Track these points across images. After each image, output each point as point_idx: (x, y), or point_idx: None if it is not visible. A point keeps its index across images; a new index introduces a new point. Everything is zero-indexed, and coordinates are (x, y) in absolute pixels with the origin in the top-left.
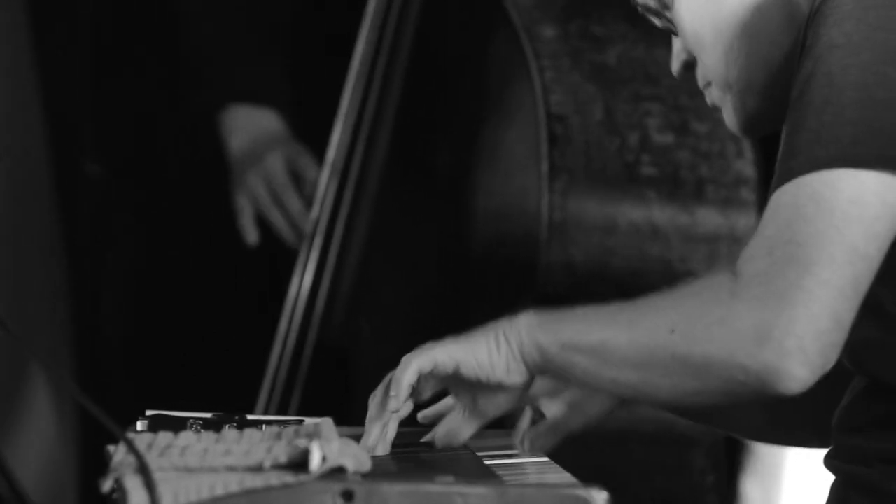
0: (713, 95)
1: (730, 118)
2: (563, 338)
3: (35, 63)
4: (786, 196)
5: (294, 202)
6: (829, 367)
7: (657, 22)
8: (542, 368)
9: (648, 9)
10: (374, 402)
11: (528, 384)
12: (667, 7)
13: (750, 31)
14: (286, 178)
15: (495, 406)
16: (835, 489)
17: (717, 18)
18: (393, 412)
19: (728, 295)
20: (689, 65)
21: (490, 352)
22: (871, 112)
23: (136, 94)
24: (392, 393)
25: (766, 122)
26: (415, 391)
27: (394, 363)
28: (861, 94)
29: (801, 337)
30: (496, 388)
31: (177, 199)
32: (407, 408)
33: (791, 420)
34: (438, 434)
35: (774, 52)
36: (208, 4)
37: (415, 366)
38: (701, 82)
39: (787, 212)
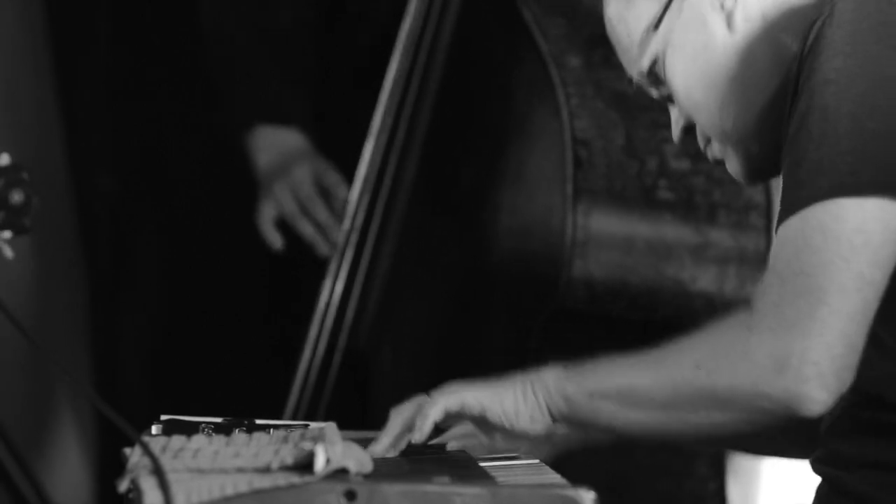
0: (714, 150)
1: (734, 168)
2: (589, 386)
3: (55, 83)
4: (792, 229)
5: (321, 212)
6: (845, 388)
7: (654, 93)
8: (569, 419)
9: (643, 84)
10: (397, 417)
11: (550, 434)
12: (659, 81)
13: (738, 80)
14: (312, 189)
15: (512, 446)
16: (820, 492)
17: (707, 74)
18: (416, 440)
19: (745, 329)
20: (689, 129)
21: (516, 402)
22: (865, 142)
23: (149, 112)
24: (418, 423)
25: (769, 166)
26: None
27: (419, 370)
28: (855, 124)
29: (817, 363)
30: (518, 434)
31: (194, 210)
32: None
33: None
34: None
35: (759, 96)
36: (234, 28)
37: (443, 405)
38: (701, 142)
39: (795, 244)
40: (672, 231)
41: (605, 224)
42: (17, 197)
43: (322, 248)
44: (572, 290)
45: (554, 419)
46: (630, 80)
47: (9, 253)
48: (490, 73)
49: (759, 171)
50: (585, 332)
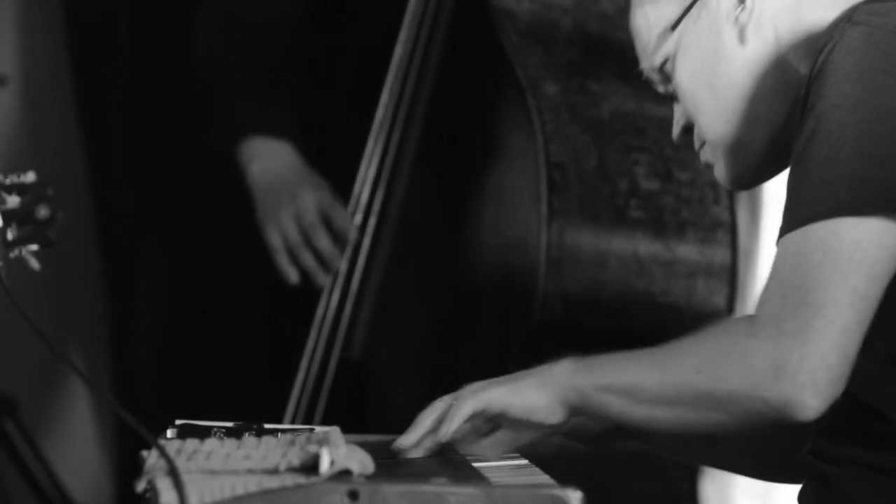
0: (706, 154)
1: (720, 173)
2: (598, 381)
3: (78, 112)
4: (793, 244)
5: (323, 240)
6: (838, 395)
7: (660, 89)
8: (581, 410)
9: (652, 79)
10: (425, 418)
11: (565, 423)
12: (668, 79)
13: (742, 92)
14: (316, 217)
15: (531, 435)
16: (808, 482)
17: (713, 81)
18: (441, 440)
19: (746, 336)
20: (688, 129)
21: (535, 396)
22: (866, 166)
23: (163, 136)
24: (446, 422)
25: (753, 177)
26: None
27: (409, 378)
28: (858, 149)
29: (812, 372)
30: (537, 425)
31: (205, 228)
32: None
33: (766, 455)
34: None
35: (770, 112)
36: (220, 43)
37: (470, 407)
38: (697, 143)
39: (796, 259)
40: (643, 248)
41: (579, 242)
42: (42, 212)
43: (321, 279)
44: (549, 304)
45: (568, 410)
46: (640, 73)
47: (35, 265)
48: (473, 99)
49: (744, 178)
50: (562, 342)
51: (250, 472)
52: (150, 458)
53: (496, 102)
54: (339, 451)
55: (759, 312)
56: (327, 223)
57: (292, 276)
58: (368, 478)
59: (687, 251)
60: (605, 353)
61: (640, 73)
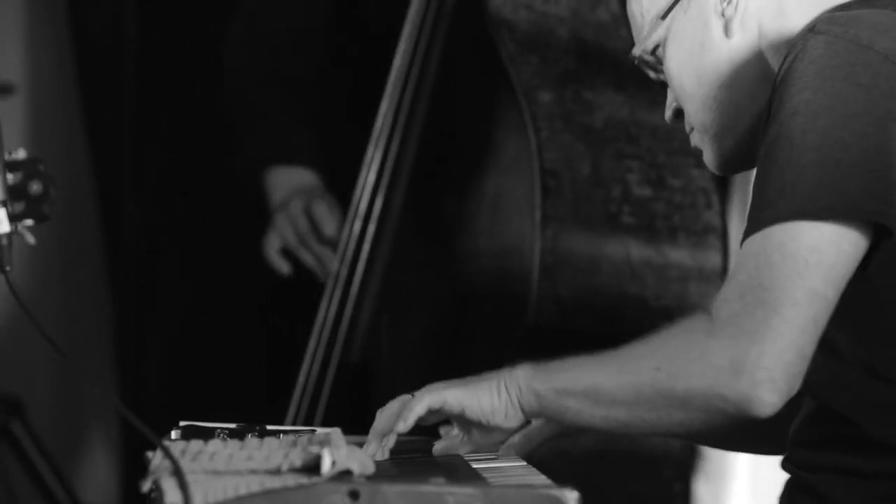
0: (695, 138)
1: (708, 158)
2: (556, 385)
3: (83, 116)
4: (754, 245)
5: (315, 244)
6: (794, 392)
7: (652, 74)
8: (538, 413)
9: (645, 63)
10: (381, 416)
11: (521, 426)
12: (660, 63)
13: (727, 83)
14: (306, 223)
15: (490, 439)
16: (788, 487)
17: (699, 71)
18: (399, 433)
19: (705, 334)
20: (679, 112)
21: (492, 399)
22: (827, 171)
23: (168, 141)
24: (402, 418)
25: (740, 162)
26: (419, 418)
27: (406, 381)
28: (818, 155)
29: (769, 369)
30: (493, 428)
31: (208, 231)
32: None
33: (752, 432)
34: (437, 448)
35: (750, 102)
36: (247, 64)
37: (426, 402)
38: (687, 127)
39: (756, 259)
40: (635, 253)
41: (572, 248)
42: (35, 187)
43: (321, 274)
44: (542, 308)
45: (526, 414)
46: (633, 59)
47: (31, 239)
48: (469, 108)
49: (730, 165)
50: (556, 346)
51: (253, 472)
52: (155, 458)
53: (492, 110)
54: (340, 452)
55: (719, 311)
56: (316, 227)
57: (283, 268)
58: (369, 478)
59: (679, 256)
60: (564, 357)
61: (633, 59)
